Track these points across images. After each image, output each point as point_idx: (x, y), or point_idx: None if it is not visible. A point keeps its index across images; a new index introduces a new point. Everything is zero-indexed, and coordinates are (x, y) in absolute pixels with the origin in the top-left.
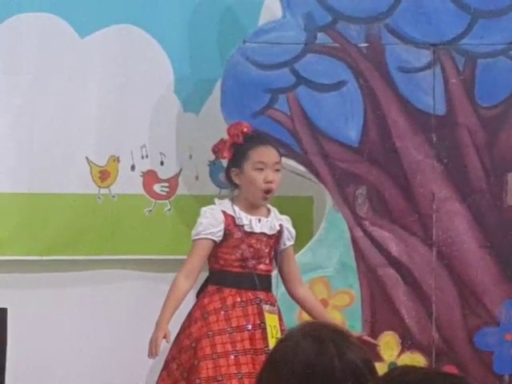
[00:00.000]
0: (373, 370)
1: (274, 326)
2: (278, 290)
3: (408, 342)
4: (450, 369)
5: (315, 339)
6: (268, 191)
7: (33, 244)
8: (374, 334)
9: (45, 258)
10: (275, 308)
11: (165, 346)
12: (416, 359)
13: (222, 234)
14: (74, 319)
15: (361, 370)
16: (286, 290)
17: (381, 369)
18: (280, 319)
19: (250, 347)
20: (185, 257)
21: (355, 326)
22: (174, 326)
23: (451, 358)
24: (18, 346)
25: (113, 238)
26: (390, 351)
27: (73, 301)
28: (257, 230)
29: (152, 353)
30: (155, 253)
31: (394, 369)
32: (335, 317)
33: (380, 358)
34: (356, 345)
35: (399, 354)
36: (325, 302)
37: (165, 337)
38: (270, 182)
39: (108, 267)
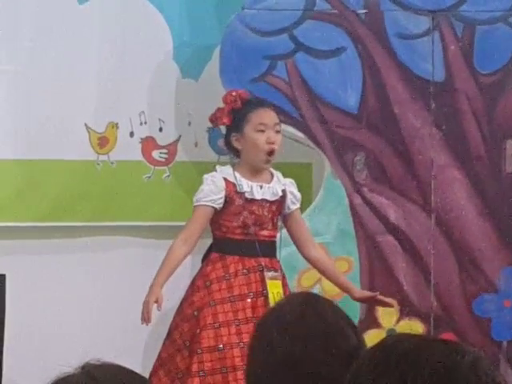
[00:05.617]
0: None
1: (278, 293)
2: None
3: (406, 309)
4: (449, 335)
5: (301, 298)
6: (271, 152)
7: (31, 210)
8: None
9: (43, 224)
10: (278, 274)
11: (163, 314)
12: (414, 326)
13: (222, 201)
14: (72, 285)
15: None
16: (300, 252)
17: (379, 335)
18: (285, 285)
19: (251, 315)
20: (183, 223)
21: None
22: (176, 295)
23: (449, 325)
24: (16, 312)
25: (111, 204)
26: (388, 318)
27: (71, 267)
28: (258, 196)
29: (144, 318)
30: (154, 219)
31: (389, 336)
32: None
33: (378, 325)
34: (343, 312)
35: (398, 321)
36: None
37: (156, 301)
38: (272, 143)
39: (106, 234)
